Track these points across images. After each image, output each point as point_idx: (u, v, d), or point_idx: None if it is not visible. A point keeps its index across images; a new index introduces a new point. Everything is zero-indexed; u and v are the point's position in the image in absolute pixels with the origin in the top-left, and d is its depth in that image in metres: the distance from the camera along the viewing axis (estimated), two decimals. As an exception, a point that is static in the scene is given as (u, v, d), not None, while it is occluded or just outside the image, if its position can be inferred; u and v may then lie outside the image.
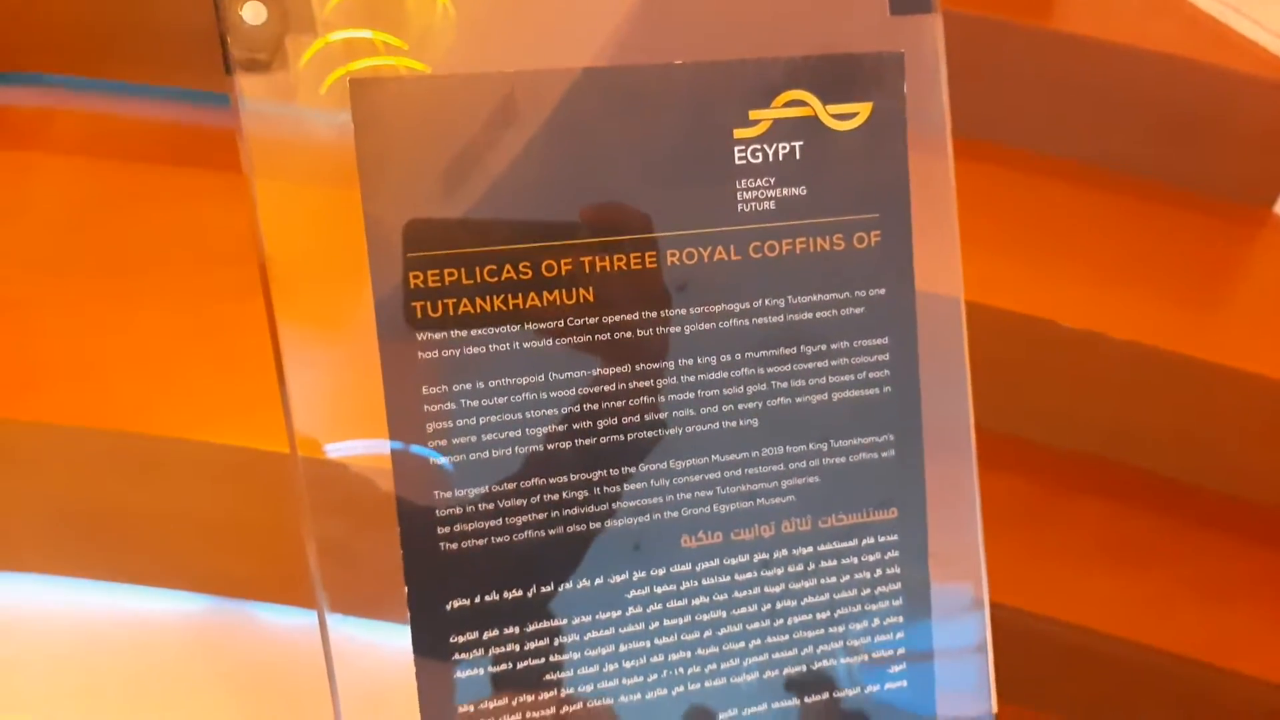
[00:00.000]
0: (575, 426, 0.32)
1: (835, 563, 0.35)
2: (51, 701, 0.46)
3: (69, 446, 0.47)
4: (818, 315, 0.34)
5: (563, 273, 0.32)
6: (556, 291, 0.32)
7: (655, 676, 0.34)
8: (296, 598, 0.47)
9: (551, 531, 0.33)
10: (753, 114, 0.33)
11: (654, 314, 0.33)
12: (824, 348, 0.34)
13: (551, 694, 0.33)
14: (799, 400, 0.34)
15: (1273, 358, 0.53)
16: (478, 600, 0.32)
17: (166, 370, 0.47)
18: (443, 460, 0.32)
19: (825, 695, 0.35)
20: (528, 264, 0.32)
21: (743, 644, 0.35)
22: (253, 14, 0.30)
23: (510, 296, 0.32)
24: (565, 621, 0.33)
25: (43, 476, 0.47)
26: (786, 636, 0.35)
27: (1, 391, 0.47)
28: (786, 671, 0.35)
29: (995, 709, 0.36)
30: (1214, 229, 0.58)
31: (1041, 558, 0.52)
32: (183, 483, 0.47)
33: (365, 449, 0.32)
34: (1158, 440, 0.54)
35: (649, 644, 0.34)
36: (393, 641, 0.32)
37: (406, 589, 0.32)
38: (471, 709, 0.33)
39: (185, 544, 0.48)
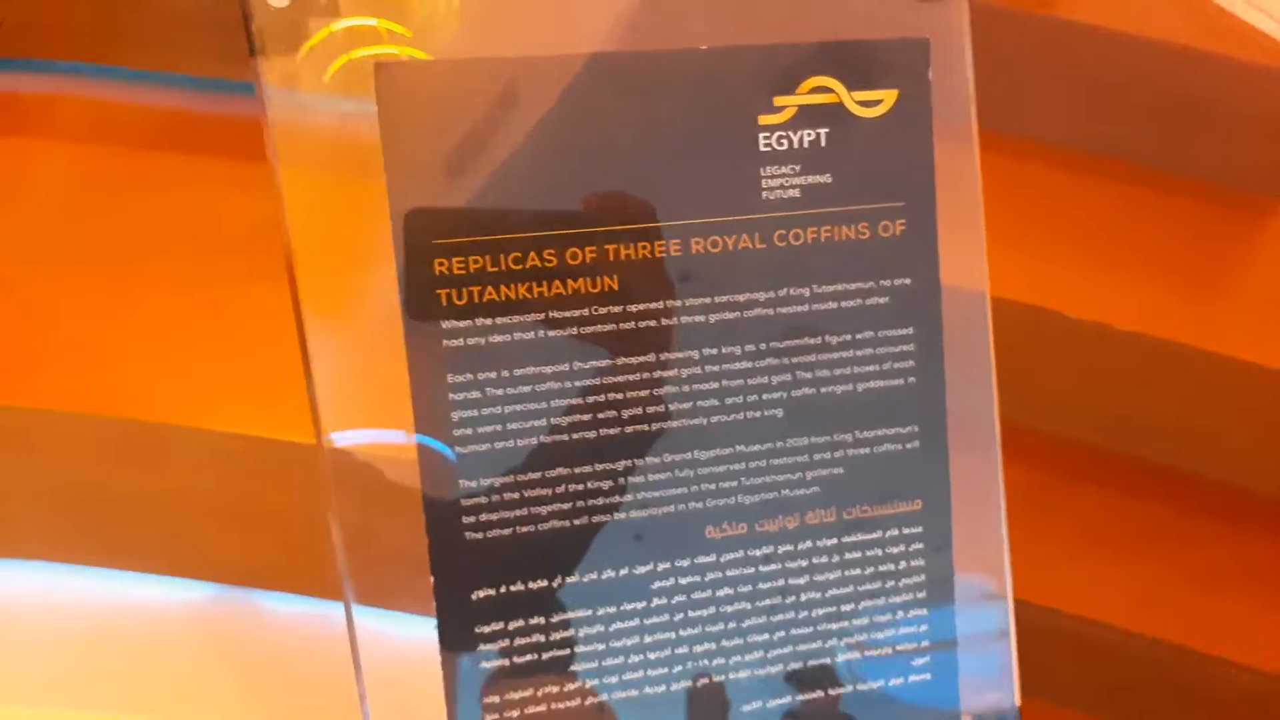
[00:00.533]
0: (599, 416, 0.32)
1: (859, 554, 0.35)
2: (56, 690, 0.45)
3: (72, 433, 0.46)
4: (842, 305, 0.34)
5: (587, 260, 0.32)
6: (581, 279, 0.32)
7: (680, 668, 0.34)
8: (304, 586, 0.47)
9: (576, 521, 0.32)
10: (778, 100, 0.33)
11: (678, 303, 0.33)
12: (849, 338, 0.34)
13: (576, 684, 0.33)
14: (823, 391, 0.34)
15: (1278, 349, 0.53)
16: (503, 590, 0.32)
17: (170, 355, 0.47)
18: (467, 449, 0.31)
19: (849, 687, 0.35)
20: (552, 251, 0.31)
21: (766, 635, 0.34)
22: (277, -4, 0.29)
23: (535, 284, 0.31)
24: (590, 611, 0.33)
25: (46, 463, 0.47)
26: (811, 629, 0.35)
27: (4, 377, 0.46)
28: (810, 663, 0.35)
29: (1019, 701, 0.36)
30: (1220, 219, 0.58)
31: (1044, 546, 0.52)
32: (188, 470, 0.47)
33: (390, 438, 0.31)
34: (1163, 430, 0.55)
35: (674, 635, 0.34)
36: (408, 632, 0.32)
37: (433, 579, 0.32)
38: (497, 699, 0.32)
39: (190, 531, 0.47)
